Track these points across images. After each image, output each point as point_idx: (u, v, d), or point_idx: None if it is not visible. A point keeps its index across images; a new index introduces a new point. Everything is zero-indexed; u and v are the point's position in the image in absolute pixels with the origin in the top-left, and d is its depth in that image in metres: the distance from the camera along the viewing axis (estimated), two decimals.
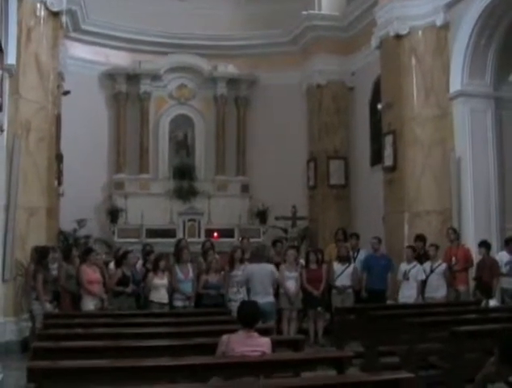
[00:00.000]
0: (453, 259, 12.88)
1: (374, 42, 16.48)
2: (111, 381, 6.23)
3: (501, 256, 12.76)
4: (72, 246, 14.34)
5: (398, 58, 15.49)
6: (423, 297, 12.74)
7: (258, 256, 12.31)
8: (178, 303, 12.13)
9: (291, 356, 7.48)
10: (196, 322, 9.67)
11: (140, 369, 6.40)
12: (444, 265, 12.75)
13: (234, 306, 10.65)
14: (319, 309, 12.86)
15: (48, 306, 11.42)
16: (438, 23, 14.83)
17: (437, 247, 12.98)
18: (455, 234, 13.33)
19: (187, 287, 12.23)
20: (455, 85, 14.52)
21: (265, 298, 11.26)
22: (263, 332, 7.11)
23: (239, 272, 12.35)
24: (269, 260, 12.73)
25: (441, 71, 14.89)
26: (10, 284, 12.51)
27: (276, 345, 7.24)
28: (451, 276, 12.77)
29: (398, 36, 15.39)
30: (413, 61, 15.25)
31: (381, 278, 13.28)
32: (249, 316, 6.74)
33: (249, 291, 11.89)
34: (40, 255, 11.76)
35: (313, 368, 7.06)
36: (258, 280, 11.71)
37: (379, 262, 13.52)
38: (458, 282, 12.83)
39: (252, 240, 15.91)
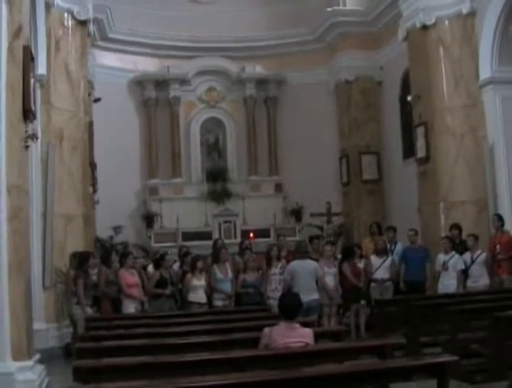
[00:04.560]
0: (497, 246, 12.59)
1: (400, 34, 16.43)
2: (154, 377, 6.26)
3: None
4: (111, 251, 14.39)
5: (426, 49, 15.41)
6: (464, 286, 12.60)
7: (301, 252, 12.23)
8: (218, 303, 12.17)
9: (334, 345, 7.48)
10: (236, 319, 9.70)
11: (184, 364, 6.44)
12: (484, 254, 12.57)
13: (273, 304, 10.68)
14: (362, 302, 12.85)
15: (89, 311, 11.49)
16: (465, 11, 14.73)
17: (476, 237, 12.73)
18: (500, 221, 12.98)
19: (227, 286, 12.27)
20: (485, 72, 14.36)
21: (310, 295, 11.16)
22: (304, 325, 7.10)
23: (276, 270, 12.35)
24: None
25: (470, 59, 14.76)
26: (50, 290, 12.66)
27: (318, 337, 7.24)
28: (495, 265, 12.54)
29: (424, 27, 15.32)
30: (441, 50, 15.15)
31: (419, 269, 13.21)
32: (291, 307, 6.73)
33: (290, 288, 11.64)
34: (81, 260, 11.83)
35: (356, 357, 7.05)
36: (302, 277, 11.54)
37: (417, 254, 13.45)
38: (502, 270, 12.48)
39: (288, 238, 15.96)
